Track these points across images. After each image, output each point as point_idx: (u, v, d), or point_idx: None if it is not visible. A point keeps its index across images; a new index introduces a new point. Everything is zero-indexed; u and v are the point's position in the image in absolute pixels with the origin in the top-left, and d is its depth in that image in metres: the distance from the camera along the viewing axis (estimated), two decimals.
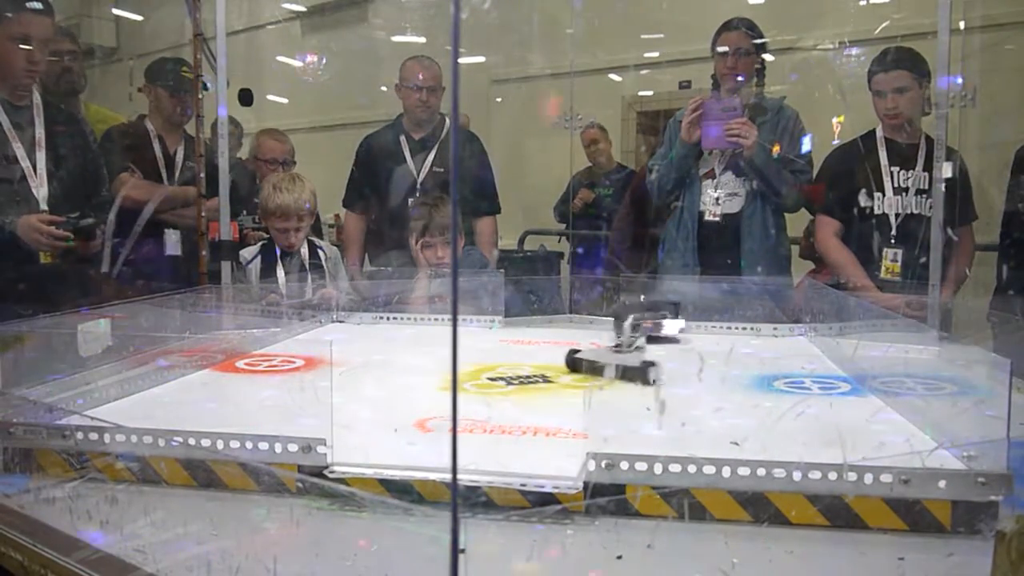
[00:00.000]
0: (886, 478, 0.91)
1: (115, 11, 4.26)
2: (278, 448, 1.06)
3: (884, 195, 2.74)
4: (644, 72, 4.93)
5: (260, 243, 2.83)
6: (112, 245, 2.84)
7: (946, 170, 2.47)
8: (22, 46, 2.47)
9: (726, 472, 0.94)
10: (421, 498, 0.98)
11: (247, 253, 2.79)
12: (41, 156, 2.53)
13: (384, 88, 3.75)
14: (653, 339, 1.83)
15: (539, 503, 0.94)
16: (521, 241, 4.95)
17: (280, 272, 2.71)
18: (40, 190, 2.51)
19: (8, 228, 2.40)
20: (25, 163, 2.50)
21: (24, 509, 0.98)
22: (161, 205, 3.06)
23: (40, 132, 2.55)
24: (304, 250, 2.77)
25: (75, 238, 2.44)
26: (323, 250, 2.86)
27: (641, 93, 5.00)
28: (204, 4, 2.95)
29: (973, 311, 2.54)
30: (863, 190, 2.77)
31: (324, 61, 4.90)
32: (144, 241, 2.98)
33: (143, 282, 2.87)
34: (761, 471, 0.93)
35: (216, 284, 2.77)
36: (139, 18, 4.33)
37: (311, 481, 0.94)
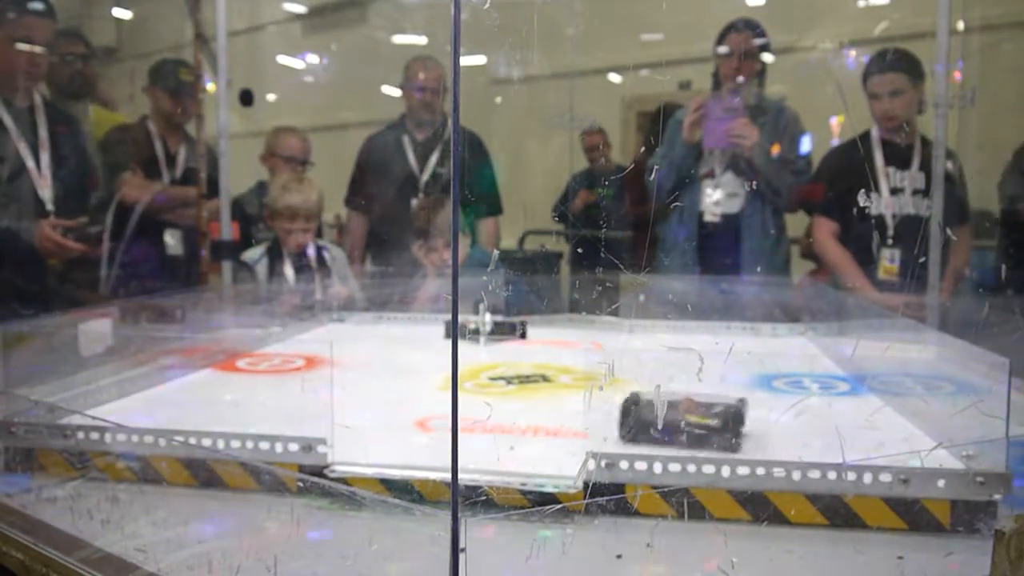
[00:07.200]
0: (885, 477, 0.92)
1: (115, 11, 4.25)
2: (279, 448, 1.06)
3: (880, 196, 2.74)
4: (644, 72, 4.93)
5: (265, 244, 2.84)
6: (110, 247, 2.85)
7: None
8: (25, 48, 2.48)
9: (726, 472, 0.94)
10: (421, 497, 0.98)
11: (253, 254, 2.79)
12: (45, 157, 2.55)
13: (385, 89, 3.75)
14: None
15: (539, 503, 0.94)
16: (521, 241, 4.95)
17: (289, 272, 2.72)
18: (45, 191, 2.53)
19: (15, 229, 2.43)
20: (30, 163, 2.52)
21: (26, 508, 0.98)
22: (161, 205, 3.06)
23: (43, 132, 2.57)
24: (311, 251, 2.78)
25: (85, 244, 2.48)
26: (328, 251, 2.87)
27: (640, 93, 4.99)
28: (204, 4, 2.95)
29: (971, 311, 2.55)
30: (859, 191, 2.77)
31: (324, 61, 4.90)
32: (139, 240, 2.99)
33: (139, 282, 2.87)
34: (761, 471, 0.93)
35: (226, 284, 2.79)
36: (139, 18, 4.33)
37: (311, 480, 0.94)
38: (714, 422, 1.12)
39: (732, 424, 1.12)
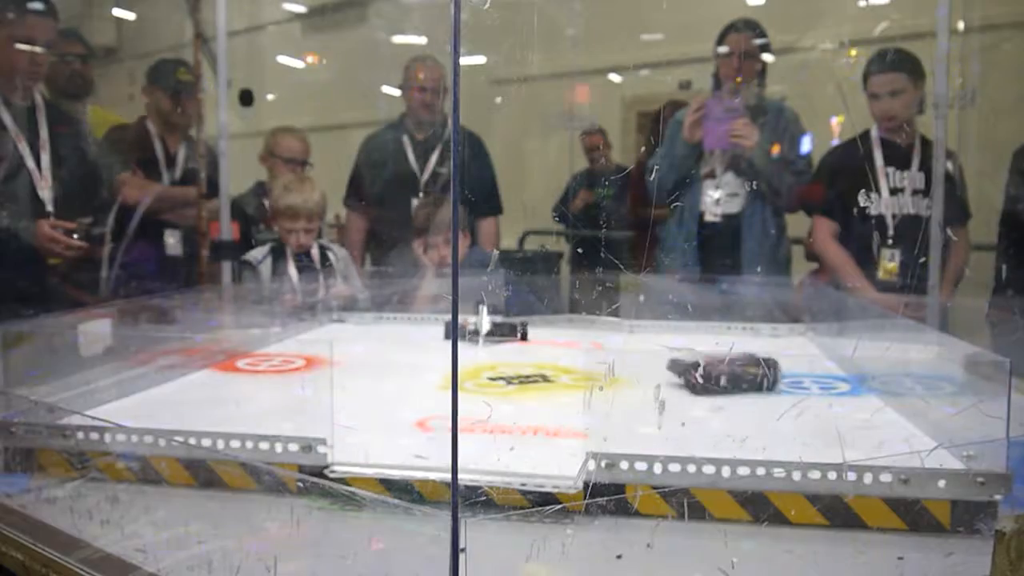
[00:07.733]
0: (886, 478, 0.92)
1: (115, 11, 4.26)
2: (279, 448, 1.06)
3: (880, 196, 2.74)
4: (644, 72, 4.93)
5: (269, 244, 2.83)
6: (111, 247, 2.86)
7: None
8: (25, 48, 2.49)
9: (726, 472, 0.94)
10: (421, 498, 0.98)
11: (257, 254, 2.79)
12: (46, 157, 2.56)
13: (385, 89, 3.75)
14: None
15: (539, 503, 0.94)
16: (521, 241, 4.95)
17: (293, 272, 2.72)
18: (46, 191, 2.54)
19: (15, 229, 2.44)
20: (30, 163, 2.52)
21: (25, 509, 0.98)
22: (161, 205, 3.06)
23: (44, 133, 2.57)
24: (315, 251, 2.78)
25: (86, 243, 2.50)
26: (332, 251, 2.87)
27: (640, 93, 5.00)
28: (204, 4, 2.95)
29: (972, 311, 2.55)
30: (859, 191, 2.77)
31: (324, 61, 4.90)
32: (139, 240, 2.99)
33: (139, 282, 2.88)
34: (761, 471, 0.93)
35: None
36: (140, 18, 4.33)
37: (311, 481, 0.94)
38: (760, 370, 1.45)
39: (772, 370, 1.45)
